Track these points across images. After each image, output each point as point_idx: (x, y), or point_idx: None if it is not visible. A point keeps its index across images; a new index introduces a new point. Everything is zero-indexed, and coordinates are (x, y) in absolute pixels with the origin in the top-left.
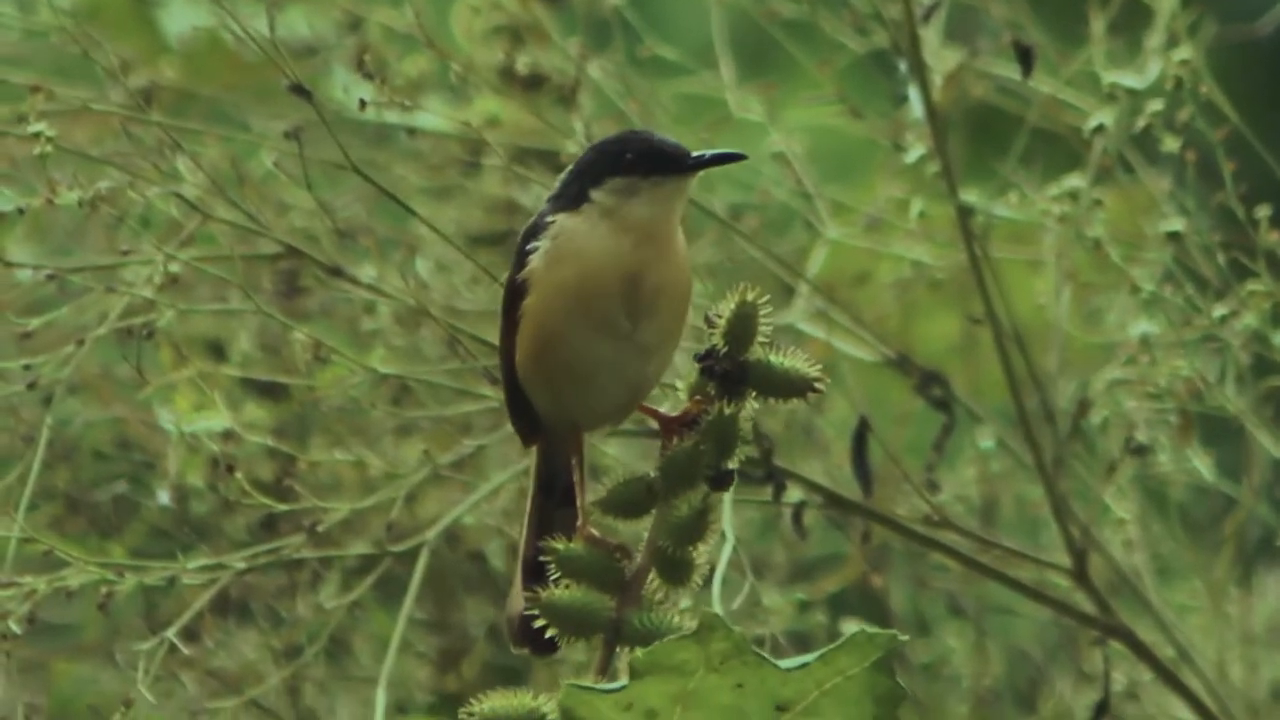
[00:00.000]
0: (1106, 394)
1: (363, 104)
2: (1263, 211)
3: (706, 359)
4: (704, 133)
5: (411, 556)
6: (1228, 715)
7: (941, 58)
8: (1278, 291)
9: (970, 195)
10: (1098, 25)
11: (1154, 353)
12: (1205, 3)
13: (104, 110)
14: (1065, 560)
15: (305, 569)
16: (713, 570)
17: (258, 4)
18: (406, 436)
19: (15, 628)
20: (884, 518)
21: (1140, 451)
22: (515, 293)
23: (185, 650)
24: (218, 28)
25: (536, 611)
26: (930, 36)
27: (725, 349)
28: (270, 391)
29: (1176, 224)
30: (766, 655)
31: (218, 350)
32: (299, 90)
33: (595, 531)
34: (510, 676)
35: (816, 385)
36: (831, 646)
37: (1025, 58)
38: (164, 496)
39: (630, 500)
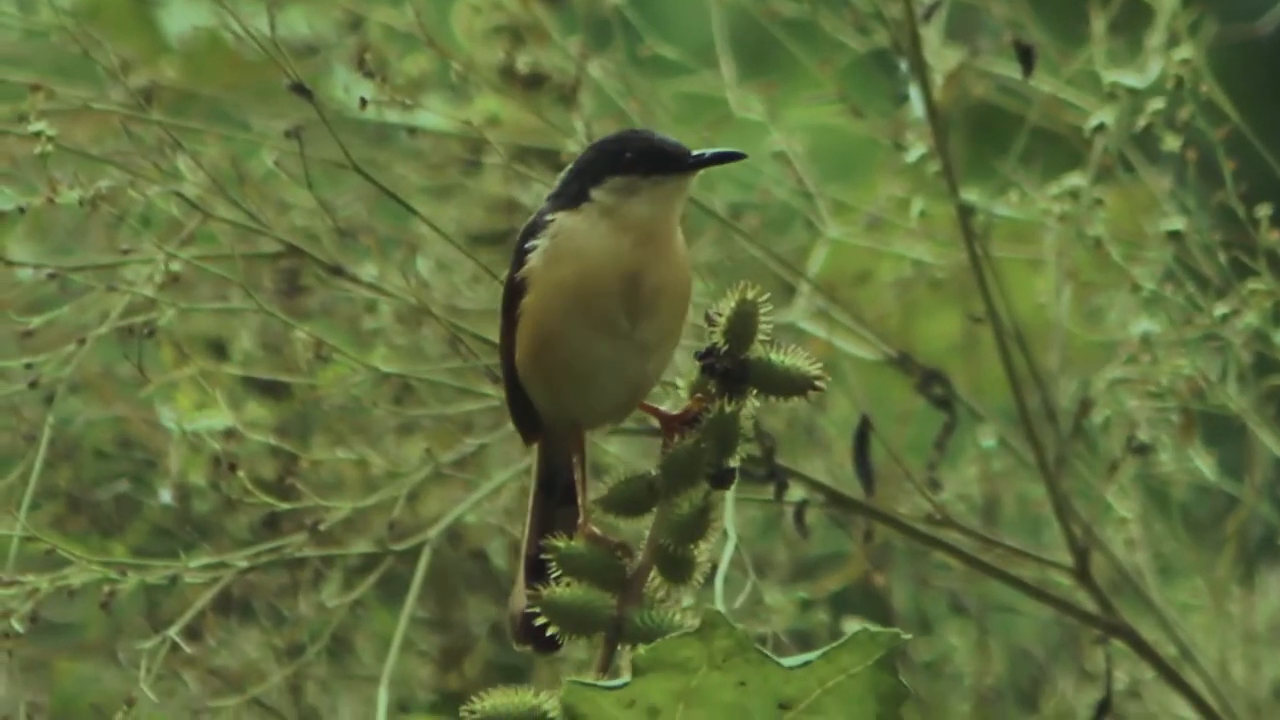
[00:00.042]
0: (1108, 393)
1: (363, 103)
2: (1263, 210)
3: (707, 357)
4: (705, 132)
5: (413, 555)
6: (1230, 714)
7: (942, 57)
8: (1278, 290)
9: (971, 194)
10: (1098, 24)
11: (1155, 351)
12: (1206, 2)
13: (105, 109)
14: (1067, 559)
15: (307, 568)
16: (715, 569)
17: (258, 3)
18: (408, 435)
19: (18, 626)
20: (886, 516)
21: (1142, 450)
22: (514, 291)
23: (187, 649)
24: (218, 27)
25: (538, 609)
26: (931, 36)
27: (726, 347)
28: (272, 390)
29: (1177, 223)
30: (769, 653)
31: (219, 349)
32: (300, 89)
33: (596, 529)
34: (512, 675)
35: (817, 383)
36: (834, 645)
37: (1026, 57)
38: (166, 495)
39: (631, 498)
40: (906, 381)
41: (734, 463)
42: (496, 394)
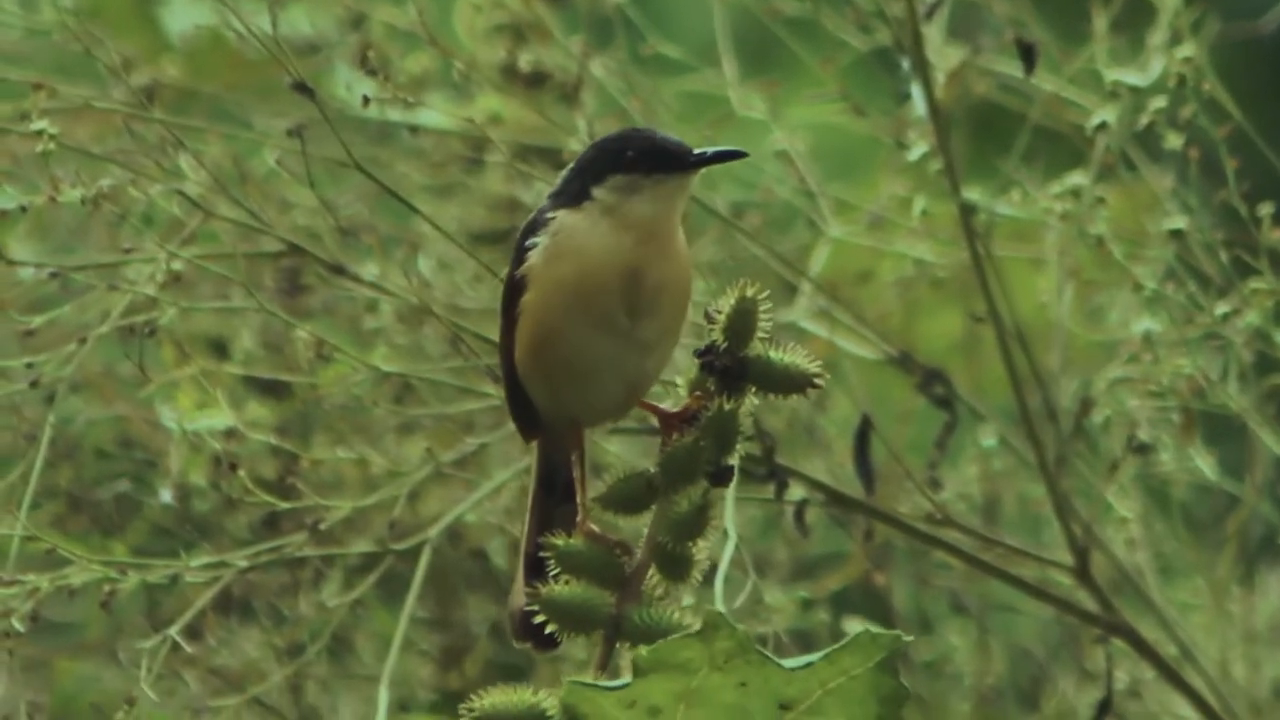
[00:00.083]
0: (1109, 392)
1: (365, 101)
2: (1265, 209)
3: (706, 355)
4: (707, 130)
5: (414, 554)
6: (1230, 713)
7: (944, 55)
8: None
9: (973, 193)
10: (1100, 23)
11: (1156, 351)
12: (1207, 1)
13: (106, 108)
14: (1068, 558)
15: (308, 567)
16: (715, 568)
17: (260, 2)
18: (409, 434)
19: (18, 626)
20: (886, 516)
21: (1142, 450)
22: (514, 288)
23: (188, 648)
24: (220, 25)
25: (537, 607)
26: (933, 34)
27: (725, 345)
28: (273, 389)
29: (1179, 222)
30: (770, 654)
31: (220, 348)
32: (301, 88)
33: (595, 528)
34: (513, 674)
35: (816, 381)
36: (835, 646)
37: (1028, 55)
38: (166, 494)
39: (630, 496)
40: (907, 381)
41: (733, 460)
42: (497, 393)
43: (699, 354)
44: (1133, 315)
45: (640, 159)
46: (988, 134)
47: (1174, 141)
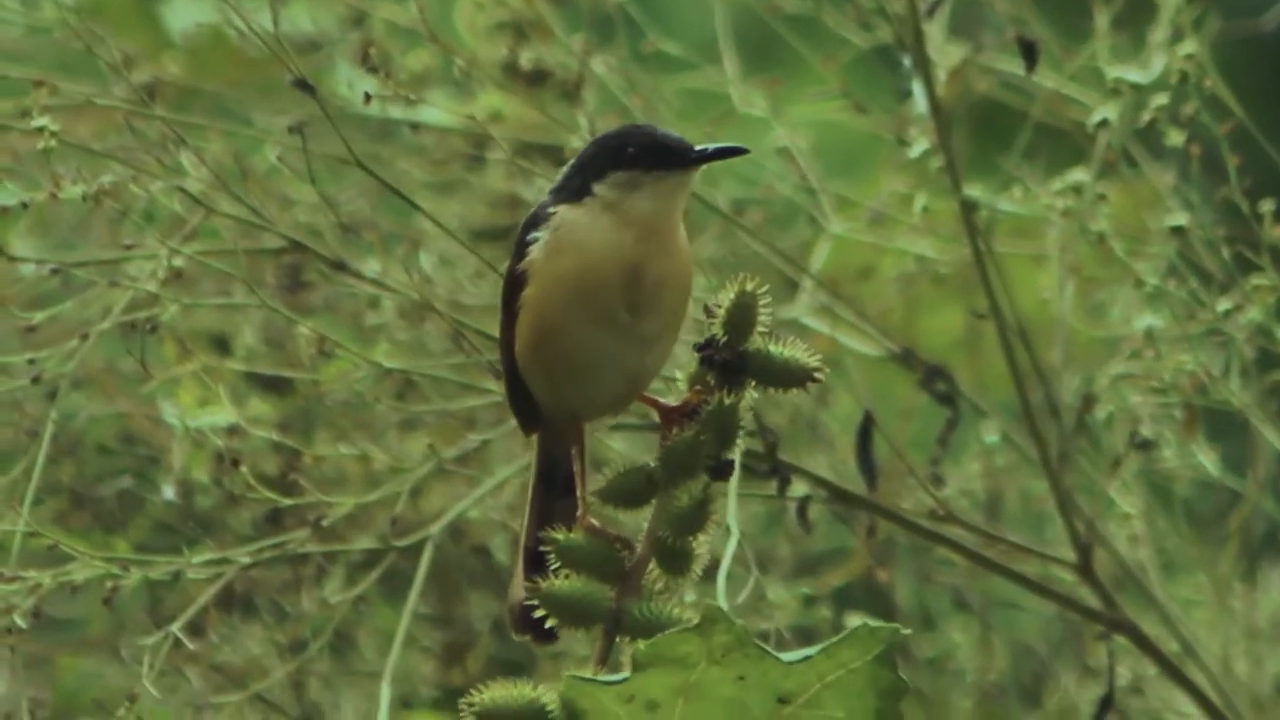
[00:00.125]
0: (1111, 388)
1: (367, 98)
2: (1267, 206)
3: (706, 349)
4: (708, 128)
5: (416, 551)
6: (1232, 710)
7: (945, 53)
8: None
9: (974, 190)
10: (1101, 20)
11: (1158, 347)
12: None
13: (108, 105)
14: (1070, 555)
15: (310, 563)
16: (718, 564)
17: None
18: (411, 431)
19: (20, 622)
20: (889, 512)
21: (1145, 446)
22: (515, 283)
23: (190, 645)
24: (221, 23)
25: (536, 602)
26: (934, 32)
27: (725, 339)
28: (274, 386)
29: (1180, 218)
30: (768, 648)
31: (222, 345)
32: (303, 85)
33: (595, 522)
34: (515, 670)
35: (816, 375)
36: (834, 639)
37: (1029, 53)
38: (168, 491)
39: (630, 490)
40: (909, 377)
41: (733, 455)
42: (499, 390)
43: (699, 348)
44: (1134, 311)
45: (641, 155)
46: (989, 131)
47: (1175, 138)
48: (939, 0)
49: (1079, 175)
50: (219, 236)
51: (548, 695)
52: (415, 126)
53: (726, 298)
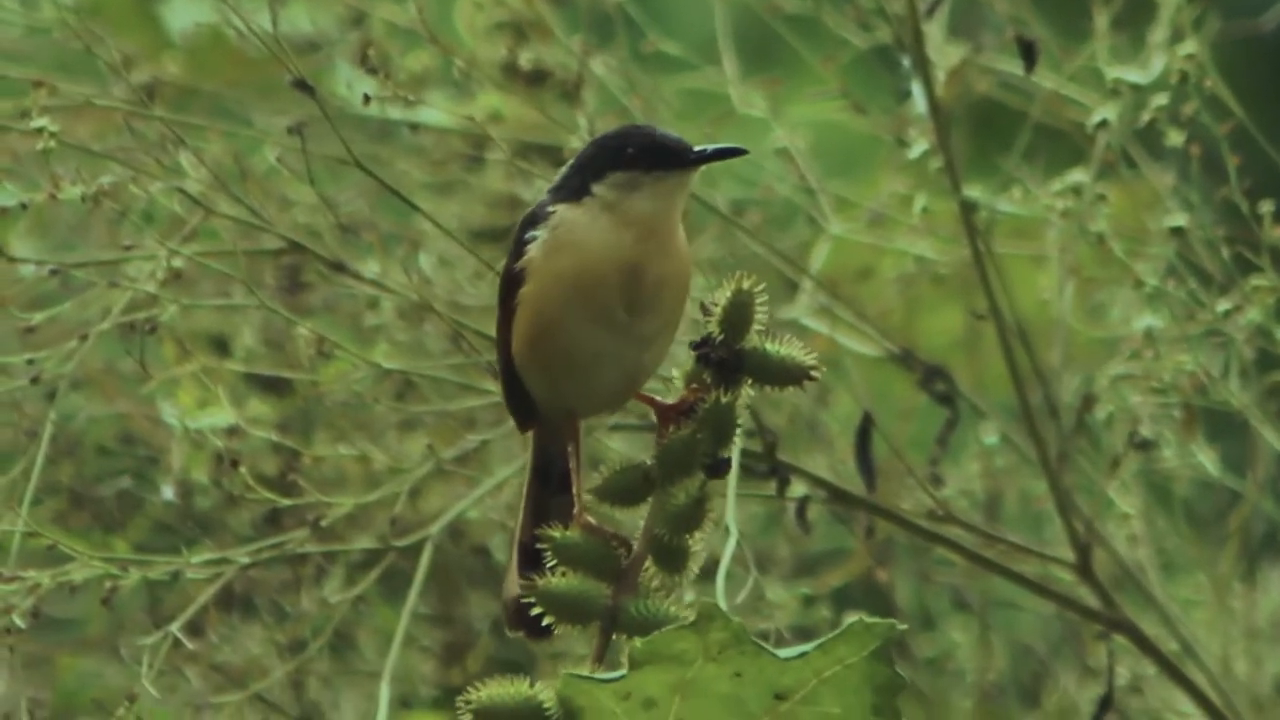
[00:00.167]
0: (1110, 389)
1: (366, 99)
2: (1267, 206)
3: (702, 347)
4: (707, 128)
5: (415, 551)
6: (1232, 710)
7: (944, 53)
8: None
9: (973, 190)
10: (1101, 20)
11: (1158, 347)
12: None
13: (107, 105)
14: (1069, 555)
15: (309, 564)
16: (717, 564)
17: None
18: (410, 431)
19: (19, 622)
20: (888, 512)
21: (1144, 446)
22: (512, 280)
23: (189, 645)
24: (220, 23)
25: (533, 599)
26: (933, 32)
27: (721, 337)
28: (274, 386)
29: (1180, 219)
30: (765, 645)
31: (221, 345)
32: (302, 86)
33: (592, 520)
34: (515, 670)
35: (812, 373)
36: (830, 635)
37: (1028, 53)
38: (168, 491)
39: (627, 488)
40: (909, 377)
41: (730, 453)
42: (498, 390)
43: (695, 346)
44: (1134, 312)
45: (640, 156)
46: (988, 131)
47: (1175, 139)
48: (938, 0)
49: (1078, 176)
50: (218, 237)
51: (545, 693)
52: (414, 127)
53: (723, 296)
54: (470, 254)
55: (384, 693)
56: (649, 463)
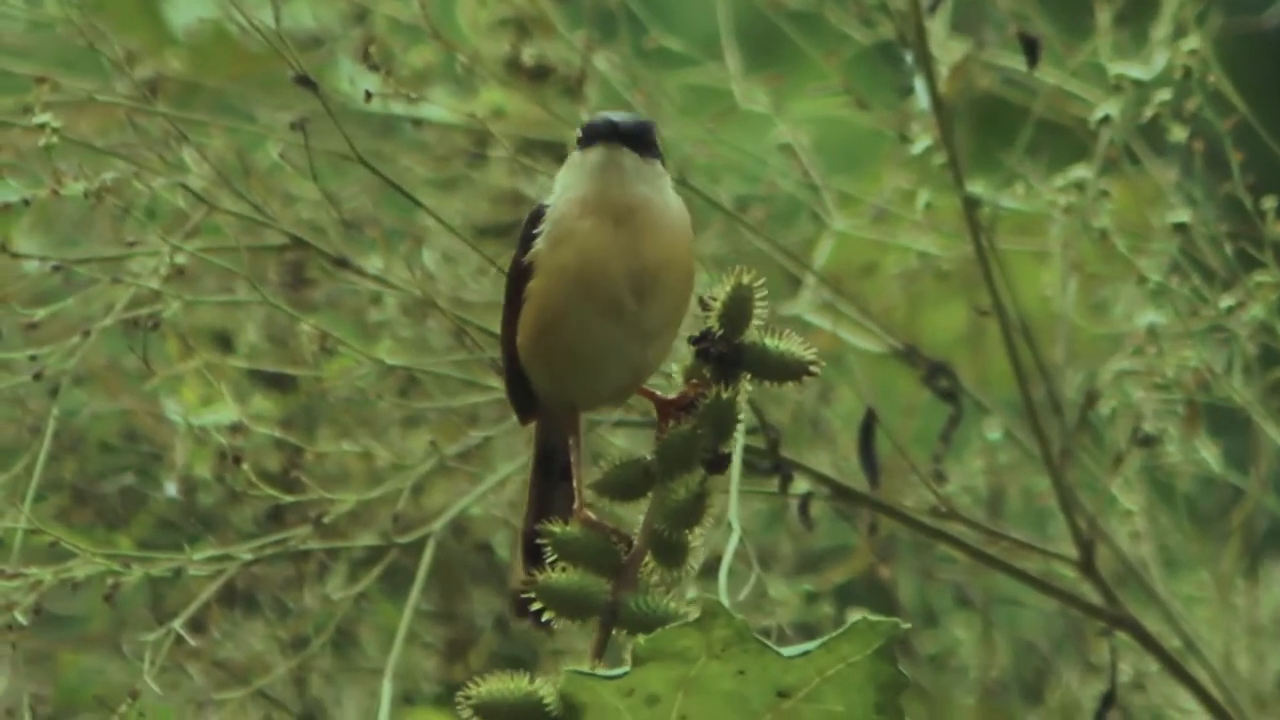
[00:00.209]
0: (1113, 385)
1: (368, 95)
2: (1270, 202)
3: (702, 341)
4: (710, 124)
5: (418, 548)
6: (1234, 706)
7: (947, 49)
8: None
9: (977, 186)
10: (1104, 16)
11: (1161, 343)
12: None
13: (109, 101)
14: (1072, 551)
15: (312, 560)
16: (719, 561)
17: None
18: (413, 428)
19: (21, 619)
20: (891, 509)
21: (1147, 442)
22: (521, 275)
23: (192, 641)
24: (223, 19)
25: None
26: (936, 28)
27: (721, 331)
28: (277, 383)
29: (1183, 215)
30: (768, 642)
31: (224, 341)
32: (304, 82)
33: (592, 514)
34: (517, 667)
35: (812, 368)
36: (834, 634)
37: (1031, 49)
38: (171, 488)
39: (627, 483)
40: (912, 374)
41: (730, 447)
42: (501, 387)
43: (694, 341)
44: (1137, 308)
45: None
46: (991, 127)
47: (1178, 134)
48: None
49: (1081, 172)
50: (221, 233)
51: (545, 689)
52: (417, 123)
53: (722, 290)
54: (473, 250)
55: (386, 689)
56: (649, 458)
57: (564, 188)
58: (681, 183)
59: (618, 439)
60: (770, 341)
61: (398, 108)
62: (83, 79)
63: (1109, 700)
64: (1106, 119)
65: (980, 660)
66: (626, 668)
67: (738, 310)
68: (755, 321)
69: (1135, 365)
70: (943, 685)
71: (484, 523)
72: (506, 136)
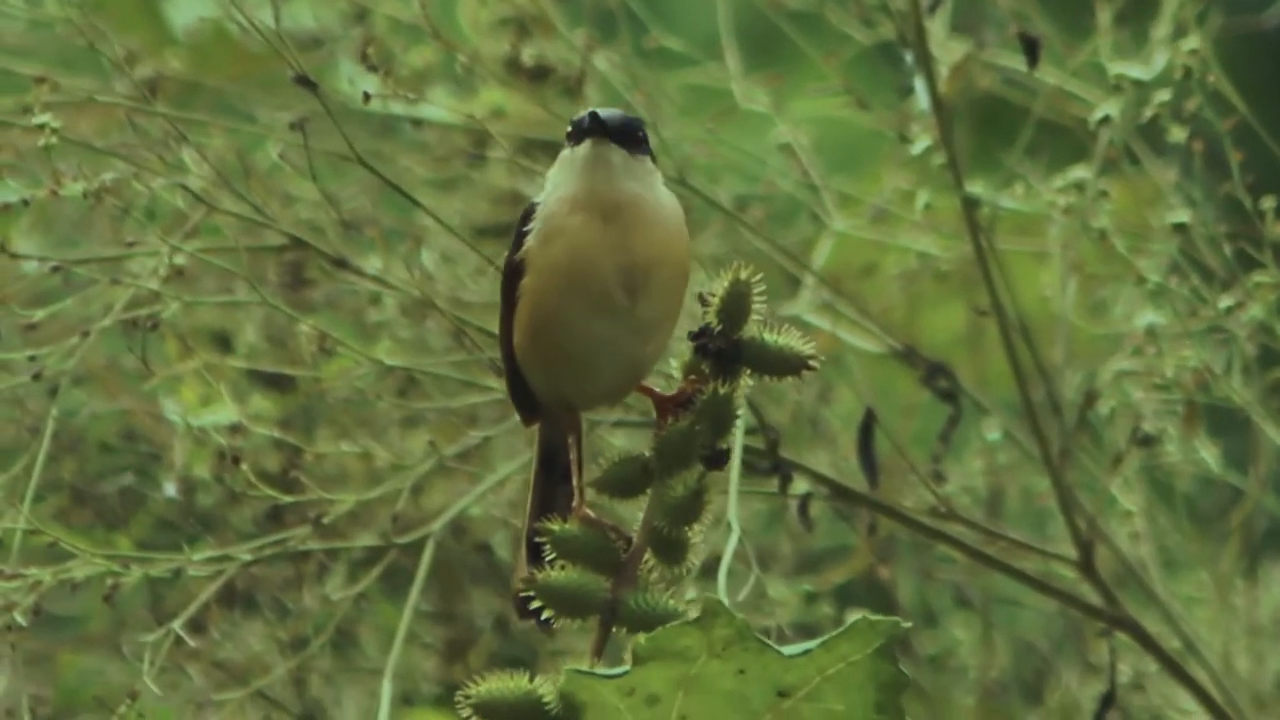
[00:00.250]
0: (1113, 385)
1: (368, 96)
2: (1269, 202)
3: (700, 337)
4: (710, 124)
5: (417, 548)
6: (1234, 707)
7: (947, 49)
8: None
9: (976, 187)
10: (1104, 16)
11: (1160, 344)
12: None
13: (109, 101)
14: (1071, 552)
15: (311, 561)
16: (718, 561)
17: None
18: (412, 428)
19: (21, 619)
20: (890, 509)
21: (1146, 442)
22: (514, 273)
23: (191, 642)
24: (223, 19)
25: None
26: (936, 28)
27: (719, 327)
28: (276, 383)
29: (1183, 215)
30: (769, 641)
31: (223, 342)
32: (304, 82)
33: (591, 512)
34: (518, 667)
35: (810, 363)
36: (834, 633)
37: (1031, 49)
38: (170, 488)
39: (625, 480)
40: (911, 374)
41: (728, 444)
42: (500, 387)
43: (693, 336)
44: (1136, 308)
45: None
46: (991, 128)
47: (1178, 135)
48: None
49: (1081, 172)
50: (220, 233)
51: (545, 688)
52: (417, 123)
53: (721, 286)
54: (473, 250)
55: (386, 690)
56: (647, 454)
57: (554, 185)
58: (681, 183)
59: (617, 439)
60: (769, 336)
61: (397, 108)
62: (83, 79)
63: (1108, 701)
64: (1106, 119)
65: (980, 660)
66: (626, 667)
67: (736, 305)
68: (754, 317)
69: (1134, 365)
70: (942, 685)
71: (483, 523)
72: (506, 137)
